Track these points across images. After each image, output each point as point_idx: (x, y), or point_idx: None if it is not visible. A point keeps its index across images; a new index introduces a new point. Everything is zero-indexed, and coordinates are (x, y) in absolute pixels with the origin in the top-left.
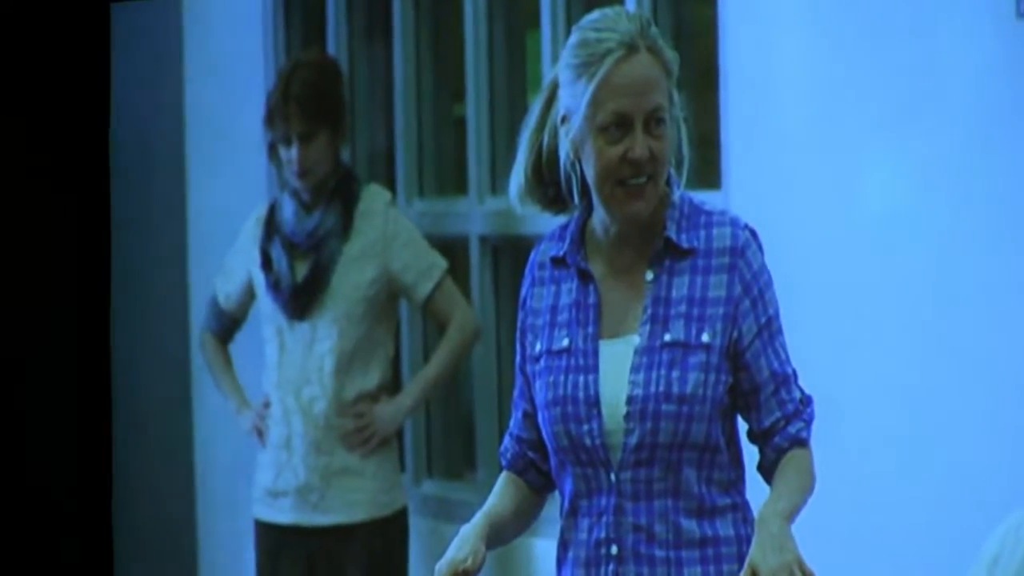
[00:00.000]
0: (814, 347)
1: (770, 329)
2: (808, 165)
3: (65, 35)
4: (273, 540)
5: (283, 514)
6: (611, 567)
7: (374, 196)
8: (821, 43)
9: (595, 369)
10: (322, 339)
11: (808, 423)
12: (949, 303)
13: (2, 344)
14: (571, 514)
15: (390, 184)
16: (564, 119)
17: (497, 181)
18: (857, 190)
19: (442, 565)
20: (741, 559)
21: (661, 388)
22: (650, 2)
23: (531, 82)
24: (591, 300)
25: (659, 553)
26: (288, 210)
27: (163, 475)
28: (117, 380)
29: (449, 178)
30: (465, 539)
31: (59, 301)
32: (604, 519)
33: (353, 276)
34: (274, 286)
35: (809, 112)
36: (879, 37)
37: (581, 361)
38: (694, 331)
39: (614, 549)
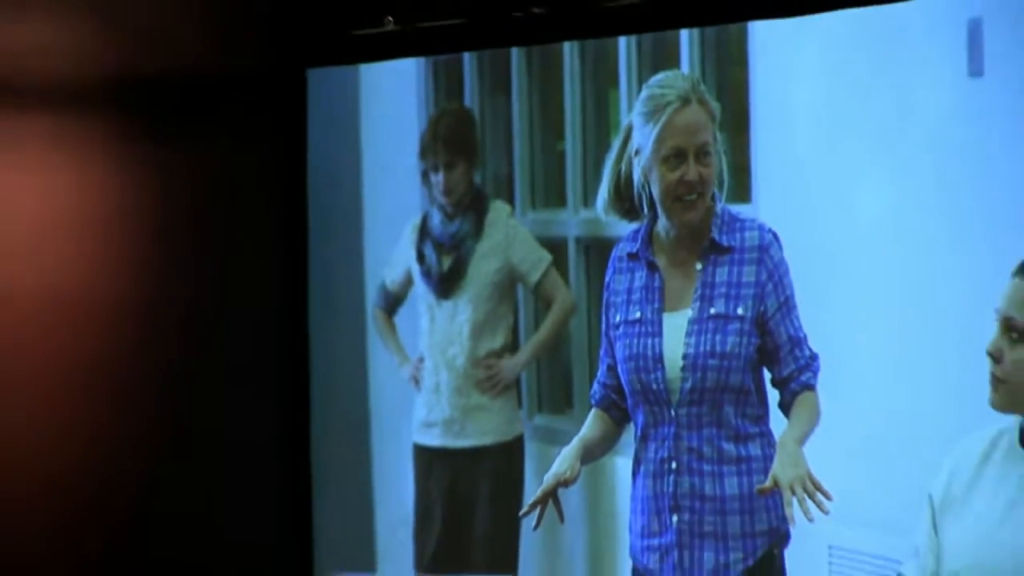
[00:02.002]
0: (821, 318)
1: (787, 305)
2: (815, 184)
3: (270, 92)
4: (426, 459)
5: (434, 439)
6: (671, 478)
7: (498, 208)
8: (825, 95)
9: (659, 334)
10: (461, 313)
11: (815, 373)
12: (918, 288)
13: (234, 311)
14: (642, 439)
15: (510, 199)
16: (637, 152)
17: (588, 198)
18: (850, 203)
19: (549, 476)
20: (766, 472)
21: (707, 348)
22: (700, 65)
23: (612, 126)
24: (656, 284)
25: (706, 467)
26: (436, 219)
27: (347, 414)
28: (314, 345)
29: (553, 195)
30: (565, 458)
31: (277, 288)
32: (666, 443)
33: (483, 267)
34: (426, 274)
35: (816, 146)
36: (868, 89)
37: (649, 328)
38: (732, 306)
39: (673, 465)
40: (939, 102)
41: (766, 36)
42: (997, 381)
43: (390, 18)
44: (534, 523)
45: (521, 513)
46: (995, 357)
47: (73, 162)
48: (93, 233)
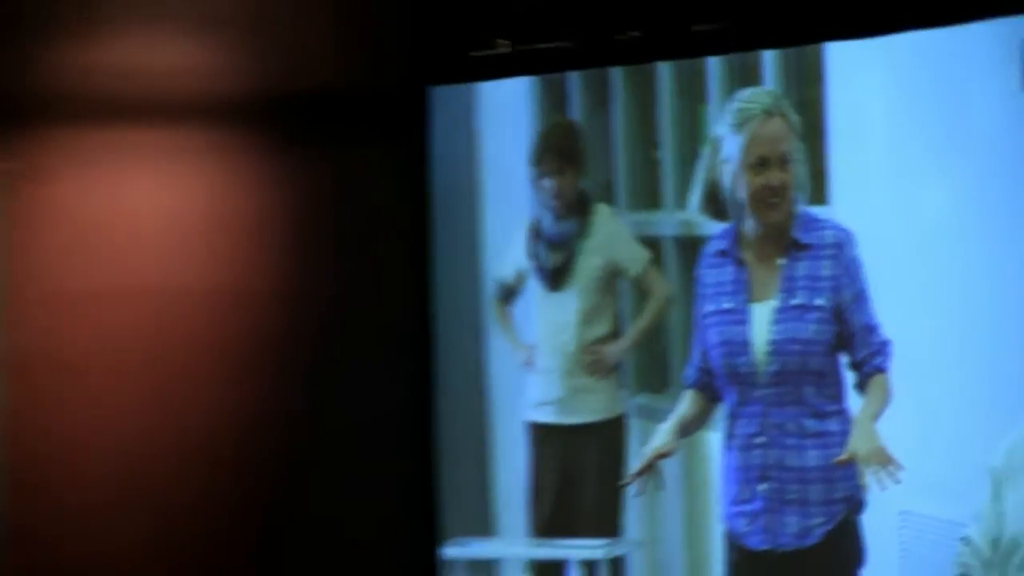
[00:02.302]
0: (892, 308)
1: (861, 296)
2: (884, 188)
3: (396, 107)
4: (539, 435)
5: (546, 417)
6: (758, 451)
7: (602, 210)
8: (892, 108)
9: (747, 322)
10: (569, 304)
11: (887, 357)
12: (978, 279)
13: (363, 304)
14: (732, 416)
15: (612, 202)
16: (726, 160)
17: (681, 200)
18: (915, 204)
19: (649, 450)
20: (843, 446)
21: (790, 335)
22: (781, 82)
23: (702, 137)
24: (743, 277)
25: (790, 441)
26: (547, 220)
27: (468, 395)
28: (438, 334)
29: (650, 198)
30: (663, 433)
31: (403, 283)
32: (754, 420)
33: (589, 263)
34: (538, 270)
35: (884, 154)
36: (929, 102)
37: (738, 317)
38: (811, 297)
39: (760, 439)
40: (993, 114)
41: (839, 56)
42: None
43: (504, 41)
44: (637, 491)
45: (624, 482)
46: None
47: (211, 171)
48: (231, 235)
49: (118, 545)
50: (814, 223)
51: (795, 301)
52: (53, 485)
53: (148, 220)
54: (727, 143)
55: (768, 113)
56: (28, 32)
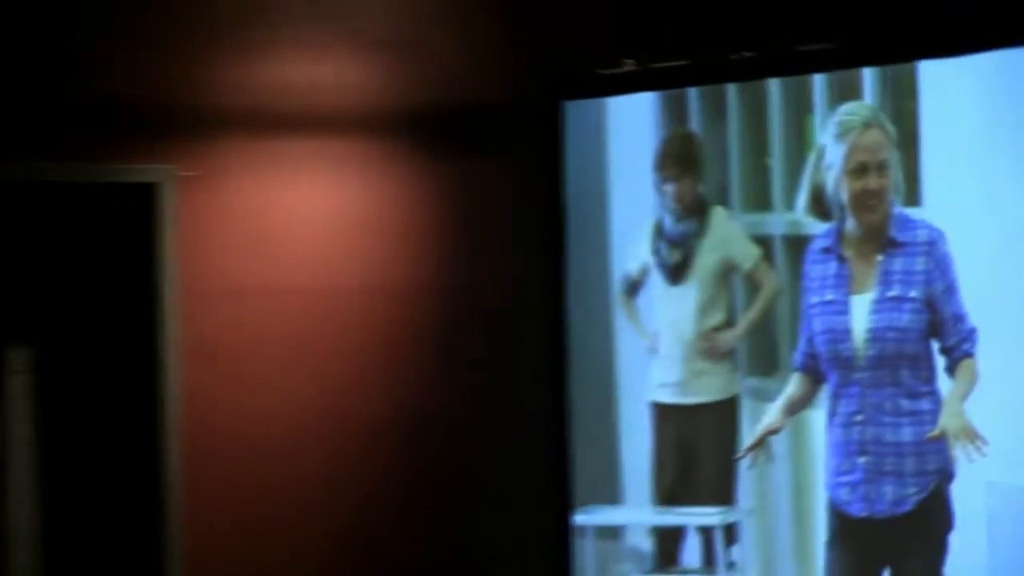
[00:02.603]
0: (979, 299)
1: (951, 288)
2: (971, 191)
3: (533, 120)
4: (661, 413)
5: (667, 398)
6: (858, 428)
7: (717, 212)
8: (979, 120)
9: (848, 312)
10: (688, 296)
11: (974, 343)
12: None
13: (503, 297)
14: (834, 397)
15: (726, 205)
16: (829, 167)
17: (789, 203)
18: (1000, 206)
19: (760, 427)
20: (934, 423)
21: (887, 323)
22: (879, 96)
23: (808, 145)
24: (845, 272)
25: (886, 419)
26: (668, 221)
27: (597, 378)
28: (571, 324)
29: (762, 201)
30: (773, 411)
31: (539, 278)
32: (854, 400)
33: (706, 259)
34: (660, 266)
35: (972, 161)
36: (1013, 114)
37: (840, 308)
38: (906, 290)
39: (860, 417)
40: None
41: (931, 73)
42: None
43: (630, 61)
44: (749, 464)
45: (738, 456)
46: None
47: (364, 178)
48: (382, 236)
49: (284, 512)
50: (908, 223)
51: (891, 293)
52: (224, 456)
53: (307, 222)
54: (830, 151)
55: (867, 124)
56: (206, 55)
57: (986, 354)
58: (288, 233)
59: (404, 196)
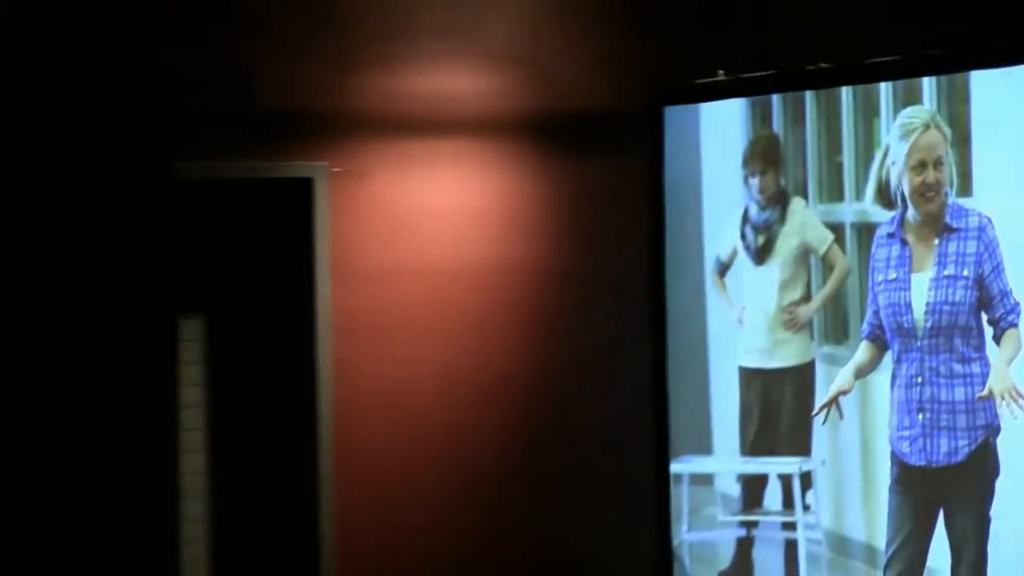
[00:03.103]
0: (1021, 276)
1: (998, 268)
2: (1016, 183)
3: (637, 124)
4: (747, 376)
5: (752, 362)
6: (917, 388)
7: (796, 202)
8: (1023, 121)
9: (909, 289)
10: (771, 275)
11: (1018, 315)
12: None
13: (607, 274)
14: (897, 361)
15: (804, 196)
16: (893, 163)
17: (858, 194)
18: None
19: (832, 387)
20: (983, 385)
21: (943, 299)
22: (936, 101)
23: (875, 144)
24: (907, 254)
25: (942, 381)
26: (753, 210)
27: (692, 345)
28: (668, 300)
29: (835, 193)
30: (843, 374)
31: (641, 259)
32: (914, 364)
33: (786, 243)
34: (747, 248)
35: (1016, 157)
36: None
37: (902, 285)
38: (959, 269)
39: (919, 379)
40: None
41: (982, 81)
42: None
43: (721, 71)
44: (822, 420)
45: (813, 414)
46: None
47: (492, 173)
48: (507, 223)
49: (420, 465)
50: (961, 211)
51: (946, 272)
52: (368, 414)
53: (443, 211)
54: (894, 149)
55: (926, 126)
56: (356, 68)
57: None
58: (423, 221)
59: (527, 188)
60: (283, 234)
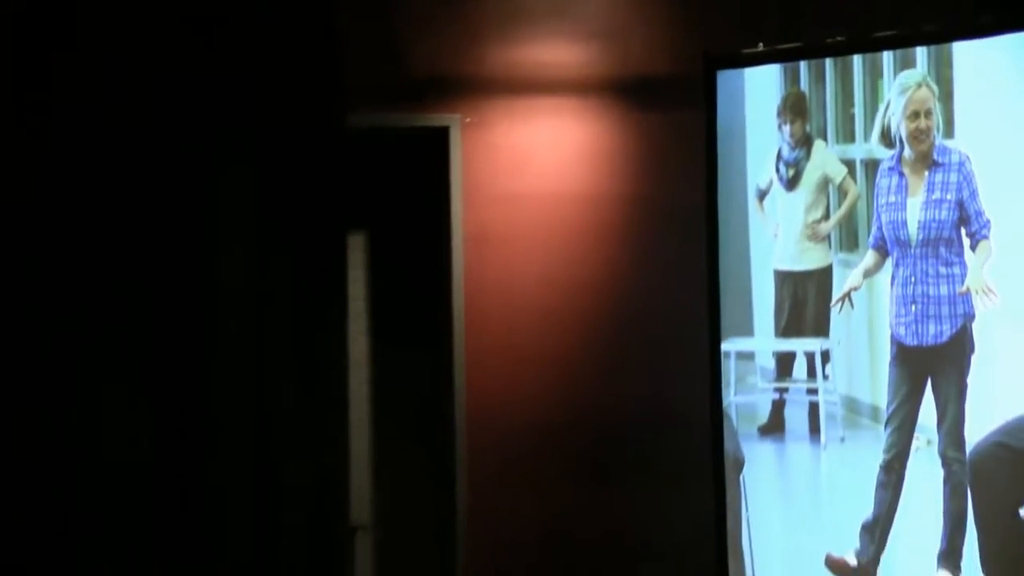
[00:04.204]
0: (997, 207)
1: (973, 193)
2: (991, 129)
3: (694, 86)
4: (780, 277)
5: (783, 265)
6: (911, 286)
7: (819, 144)
8: (997, 81)
9: (905, 209)
10: (799, 199)
11: (988, 229)
12: None
13: (668, 216)
14: (896, 265)
15: (824, 138)
16: (894, 114)
17: (866, 137)
18: (1012, 139)
19: (845, 285)
20: (962, 282)
21: (931, 217)
22: (927, 67)
23: (879, 99)
24: (903, 183)
25: (930, 280)
26: (785, 150)
27: (735, 251)
28: (721, 222)
29: (849, 136)
30: (854, 275)
31: (695, 190)
32: (909, 267)
33: (811, 175)
34: (781, 179)
35: (992, 108)
36: None
37: (900, 206)
38: (944, 194)
39: (913, 279)
40: None
41: (962, 50)
42: None
43: (761, 44)
44: (838, 310)
45: (831, 304)
46: None
47: (580, 125)
48: (591, 162)
49: (537, 333)
50: (945, 150)
51: (934, 196)
52: (494, 318)
53: (548, 152)
54: (894, 103)
55: (919, 85)
56: (483, 39)
57: (999, 236)
58: (533, 159)
59: (608, 135)
60: (427, 169)
